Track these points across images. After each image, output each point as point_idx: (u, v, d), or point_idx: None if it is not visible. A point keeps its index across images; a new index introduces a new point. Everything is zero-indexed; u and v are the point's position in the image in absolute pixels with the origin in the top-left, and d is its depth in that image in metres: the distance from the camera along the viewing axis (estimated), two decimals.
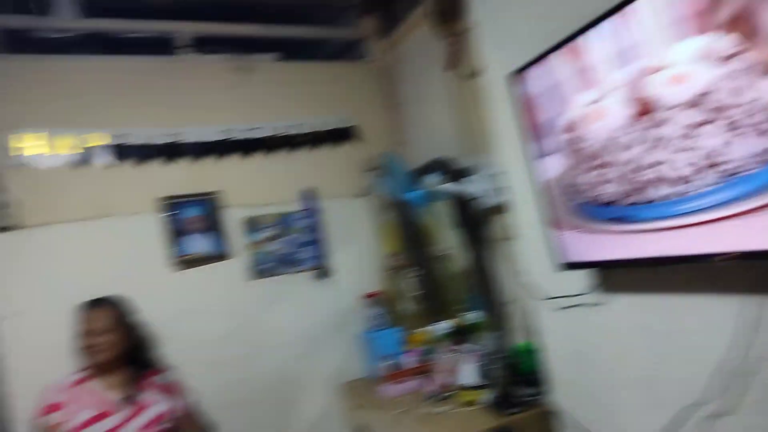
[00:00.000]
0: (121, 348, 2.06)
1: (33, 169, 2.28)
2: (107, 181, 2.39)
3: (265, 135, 2.70)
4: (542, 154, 1.61)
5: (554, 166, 1.57)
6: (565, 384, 1.82)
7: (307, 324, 2.63)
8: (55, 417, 1.95)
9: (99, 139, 2.40)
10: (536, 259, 1.83)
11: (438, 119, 2.57)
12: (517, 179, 1.89)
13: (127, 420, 2.00)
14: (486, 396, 1.95)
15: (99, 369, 2.05)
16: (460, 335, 2.32)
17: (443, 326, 2.42)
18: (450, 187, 2.26)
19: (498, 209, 2.11)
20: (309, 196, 2.70)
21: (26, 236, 2.24)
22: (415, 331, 2.62)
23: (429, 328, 2.52)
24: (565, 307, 1.74)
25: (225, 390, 2.45)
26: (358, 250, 2.78)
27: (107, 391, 2.04)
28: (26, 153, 2.28)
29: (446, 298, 2.60)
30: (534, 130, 1.62)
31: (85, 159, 2.37)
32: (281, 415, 2.56)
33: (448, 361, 2.28)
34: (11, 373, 2.17)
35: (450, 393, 2.10)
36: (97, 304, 2.10)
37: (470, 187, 2.19)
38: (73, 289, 2.21)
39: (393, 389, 2.29)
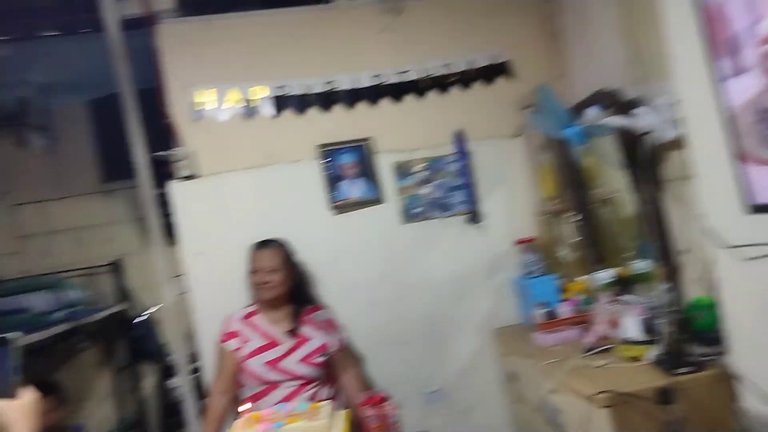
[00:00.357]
0: (286, 286, 2.24)
1: (206, 122, 2.52)
2: (270, 131, 2.55)
3: (415, 78, 2.65)
4: (730, 75, 1.34)
5: (746, 87, 1.30)
6: (748, 345, 1.57)
7: (458, 268, 2.61)
8: (232, 343, 2.20)
9: (261, 91, 2.55)
10: (719, 201, 1.57)
11: (603, 45, 2.29)
12: (696, 108, 1.61)
13: (290, 351, 2.19)
14: (651, 352, 1.77)
15: (266, 304, 2.25)
16: (625, 285, 2.13)
17: (605, 275, 2.23)
18: (616, 121, 2.01)
19: (673, 144, 1.84)
20: (460, 139, 2.61)
21: (203, 184, 2.50)
22: (573, 279, 2.47)
23: (589, 276, 2.36)
24: (752, 258, 1.47)
25: (377, 330, 2.56)
26: (511, 193, 2.66)
27: (272, 324, 2.24)
28: (200, 108, 2.51)
29: (610, 245, 2.39)
30: (720, 46, 1.35)
31: (250, 111, 2.54)
32: (431, 356, 2.60)
33: (610, 313, 2.11)
34: (196, 304, 2.48)
35: (610, 346, 1.95)
36: (266, 244, 2.29)
37: (640, 120, 1.93)
38: (244, 232, 2.44)
39: (547, 338, 2.19)
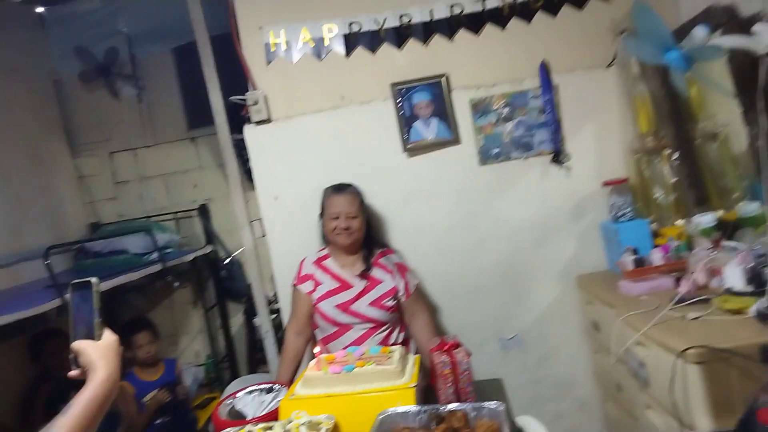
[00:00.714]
0: (363, 231, 2.21)
1: (278, 64, 2.48)
2: (342, 72, 2.48)
3: (495, 5, 2.44)
4: None
5: None
6: None
7: (540, 212, 2.46)
8: (306, 286, 2.23)
9: (332, 29, 2.46)
10: None
11: None
12: None
13: (361, 294, 2.18)
14: (756, 305, 1.58)
15: (339, 248, 2.24)
16: (728, 230, 1.91)
17: (706, 219, 2.02)
18: (729, 41, 1.73)
19: None
20: (545, 71, 2.40)
21: (277, 128, 2.49)
22: (667, 223, 2.26)
23: (687, 220, 2.14)
24: None
25: (450, 276, 2.50)
26: (600, 130, 2.43)
27: (344, 268, 2.24)
28: (273, 50, 2.47)
29: (712, 186, 2.14)
30: None
31: (321, 51, 2.47)
32: (508, 304, 2.51)
33: (709, 261, 1.91)
34: (272, 248, 2.52)
35: (707, 297, 1.77)
36: (344, 189, 2.25)
37: (759, 39, 1.65)
38: (316, 176, 2.43)
39: (635, 287, 2.02)
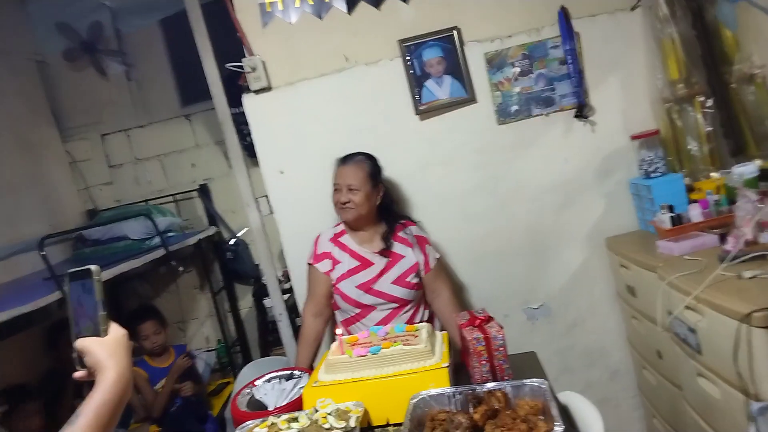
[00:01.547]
0: (368, 206, 2.05)
1: (276, 26, 2.29)
2: (344, 30, 2.29)
3: None
4: None
5: None
6: None
7: (564, 171, 2.30)
8: (324, 265, 2.08)
9: None
10: None
11: None
12: None
13: (382, 272, 2.03)
14: None
15: (352, 224, 2.09)
16: None
17: (748, 169, 1.86)
18: None
19: None
20: (564, 17, 2.20)
21: (278, 96, 2.32)
22: (704, 176, 2.10)
23: (723, 172, 2.00)
24: None
25: (473, 245, 2.35)
26: (627, 79, 2.25)
27: (362, 244, 2.09)
28: (269, 10, 2.28)
29: (752, 133, 1.99)
30: None
31: (321, 8, 2.28)
32: (534, 271, 2.37)
33: (758, 213, 1.75)
34: (281, 225, 2.37)
35: (762, 253, 1.62)
36: (348, 160, 2.09)
37: None
38: (323, 146, 2.27)
39: (674, 246, 1.87)
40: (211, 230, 3.58)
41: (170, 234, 3.34)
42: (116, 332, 0.92)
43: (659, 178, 2.13)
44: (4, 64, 3.25)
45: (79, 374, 0.89)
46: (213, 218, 3.64)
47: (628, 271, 2.08)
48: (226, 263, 3.58)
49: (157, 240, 3.08)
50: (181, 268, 3.29)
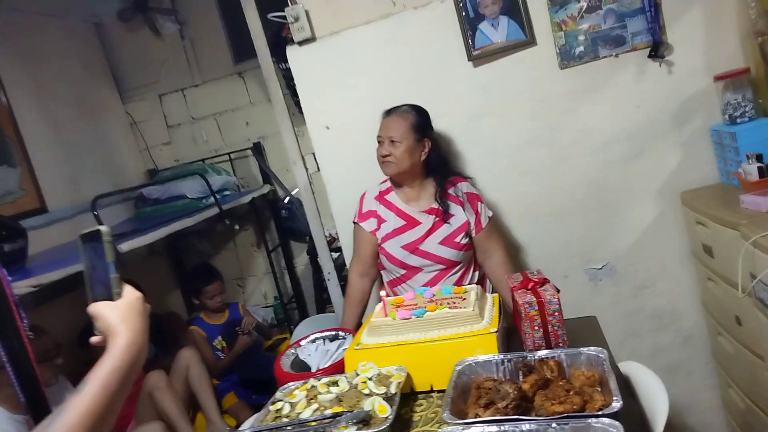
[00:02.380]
0: (412, 159, 1.92)
1: None
2: None
3: None
4: None
5: None
6: None
7: (635, 119, 2.08)
8: (369, 224, 2.00)
9: None
10: None
11: None
12: None
13: (430, 232, 1.93)
14: None
15: (396, 179, 1.98)
16: None
17: None
18: None
19: None
20: None
21: (321, 46, 2.21)
22: None
23: None
24: None
25: (530, 201, 2.20)
26: (710, 10, 1.97)
27: (409, 203, 1.98)
28: None
29: None
30: None
31: None
32: (598, 229, 2.19)
33: None
34: (328, 183, 2.30)
35: None
36: (392, 112, 1.98)
37: None
38: (369, 98, 2.16)
39: (762, 202, 1.65)
40: (266, 188, 3.57)
41: (226, 193, 3.36)
42: (130, 296, 0.87)
43: (746, 123, 1.88)
44: (62, 27, 3.31)
45: (94, 339, 0.86)
46: (267, 176, 3.63)
47: (706, 228, 1.87)
48: (281, 221, 3.58)
49: (212, 198, 3.11)
50: (236, 227, 3.31)
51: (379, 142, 1.95)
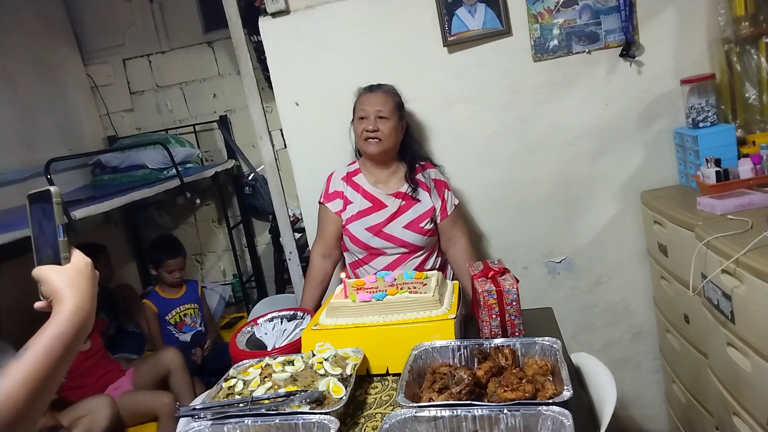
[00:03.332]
0: (395, 139, 1.91)
1: None
2: None
3: None
4: None
5: None
6: None
7: (603, 116, 2.10)
8: (335, 205, 1.98)
9: None
10: None
11: None
12: None
13: (395, 215, 1.92)
14: None
15: (371, 161, 1.96)
16: None
17: None
18: None
19: None
20: None
21: (295, 20, 2.16)
22: (758, 128, 1.90)
23: None
24: None
25: (496, 191, 2.21)
26: (682, 14, 2.00)
27: (376, 185, 1.97)
28: None
29: None
30: None
31: None
32: (560, 224, 2.22)
33: None
34: (294, 160, 2.26)
35: None
36: (375, 88, 1.95)
37: None
38: (342, 76, 2.12)
39: (720, 205, 1.70)
40: (230, 163, 3.50)
41: (188, 165, 3.28)
42: (79, 261, 0.83)
43: (708, 128, 1.93)
44: None
45: (39, 305, 0.82)
46: (232, 151, 3.55)
47: (662, 228, 1.92)
48: (244, 198, 3.52)
49: (174, 170, 3.02)
50: (198, 201, 3.24)
51: (362, 118, 1.89)
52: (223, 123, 3.54)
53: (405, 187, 1.93)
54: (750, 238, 1.40)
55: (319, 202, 2.02)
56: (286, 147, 2.29)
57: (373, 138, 1.87)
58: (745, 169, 1.79)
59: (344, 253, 2.03)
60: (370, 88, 1.94)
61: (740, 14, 1.86)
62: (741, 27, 1.87)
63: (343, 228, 1.95)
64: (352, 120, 1.96)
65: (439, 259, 2.00)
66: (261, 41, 2.27)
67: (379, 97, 1.90)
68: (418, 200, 1.92)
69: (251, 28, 2.33)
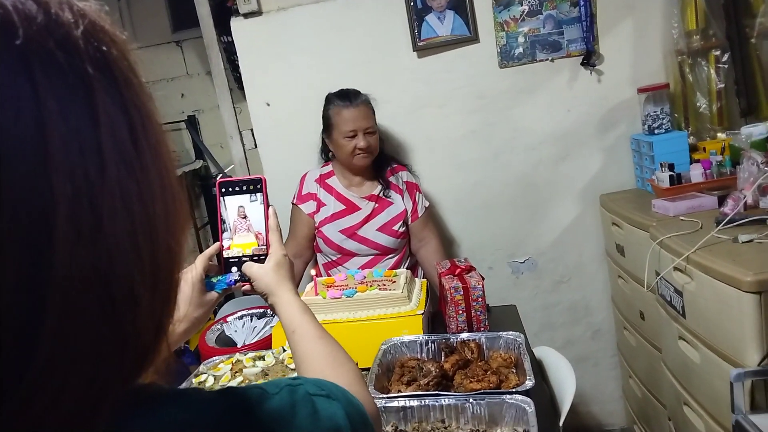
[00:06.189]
0: (378, 148, 1.95)
1: None
2: None
3: None
4: None
5: None
6: None
7: (565, 122, 2.19)
8: (308, 206, 2.00)
9: None
10: None
11: None
12: None
13: (368, 218, 1.95)
14: None
15: (350, 168, 1.98)
16: None
17: (757, 130, 1.78)
18: None
19: None
20: None
21: (267, 21, 2.18)
22: (710, 136, 2.01)
23: (730, 132, 1.92)
24: None
25: (462, 193, 2.27)
26: (640, 27, 2.11)
27: (350, 188, 2.00)
28: None
29: (765, 93, 1.88)
30: None
31: None
32: (524, 225, 2.30)
33: (761, 177, 1.67)
34: (264, 161, 2.28)
35: (759, 218, 1.55)
36: (355, 99, 1.92)
37: None
38: (313, 78, 2.15)
39: (673, 207, 1.80)
40: (197, 163, 3.48)
41: None
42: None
43: (663, 134, 2.03)
44: None
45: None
46: (200, 151, 3.53)
47: (620, 229, 2.01)
48: (211, 198, 3.50)
49: None
50: None
51: (352, 135, 1.89)
52: (192, 123, 3.52)
53: (378, 190, 1.97)
54: (700, 238, 1.48)
55: (292, 203, 2.04)
56: (256, 147, 2.30)
57: (365, 152, 1.90)
58: (696, 173, 1.90)
59: (317, 254, 2.05)
60: (348, 99, 1.91)
61: (692, 28, 1.97)
62: (692, 40, 1.98)
63: (317, 230, 1.98)
64: (326, 128, 1.96)
65: (410, 260, 2.04)
66: (231, 41, 2.28)
67: (362, 111, 1.90)
68: (391, 202, 1.96)
69: (221, 29, 2.34)
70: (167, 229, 0.35)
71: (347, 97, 1.92)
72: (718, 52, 1.95)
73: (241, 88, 2.44)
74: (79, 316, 0.29)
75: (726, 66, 1.95)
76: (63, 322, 0.28)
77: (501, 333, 1.36)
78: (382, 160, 2.02)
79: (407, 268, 1.98)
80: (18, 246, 0.27)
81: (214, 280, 0.89)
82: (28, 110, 0.28)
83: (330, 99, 1.96)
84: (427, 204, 2.05)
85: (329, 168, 2.04)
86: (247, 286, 0.90)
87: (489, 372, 1.22)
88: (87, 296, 0.29)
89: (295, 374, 1.27)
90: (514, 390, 1.11)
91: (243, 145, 2.31)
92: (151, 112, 0.36)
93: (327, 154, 2.07)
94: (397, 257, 1.99)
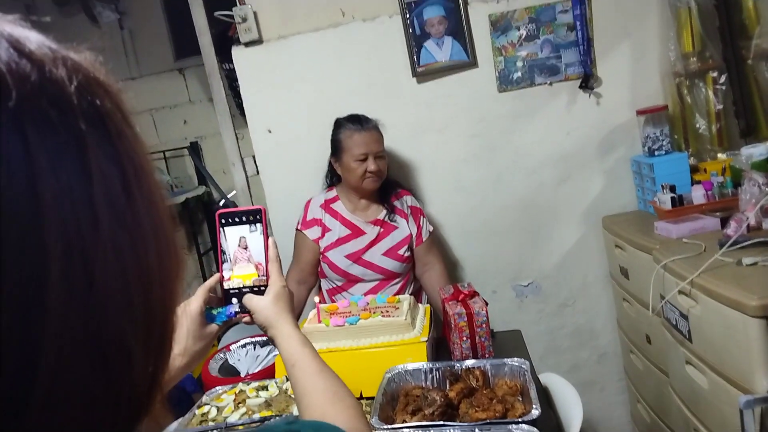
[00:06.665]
0: (386, 173, 1.96)
1: None
2: None
3: None
4: None
5: None
6: None
7: (565, 145, 2.20)
8: (313, 232, 2.00)
9: None
10: None
11: None
12: None
13: (373, 243, 1.95)
14: None
15: (357, 192, 1.98)
16: None
17: (758, 150, 1.77)
18: None
19: None
20: None
21: (268, 49, 2.21)
22: (710, 157, 2.01)
23: (730, 153, 1.91)
24: None
25: (464, 217, 2.27)
26: (637, 50, 2.13)
27: (354, 212, 2.00)
28: None
29: (763, 113, 1.89)
30: None
31: None
32: (526, 247, 2.29)
33: (761, 197, 1.67)
34: (267, 187, 2.28)
35: (762, 240, 1.54)
36: (366, 124, 1.94)
37: None
38: (314, 105, 2.17)
39: (673, 228, 1.79)
40: (200, 189, 3.50)
41: None
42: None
43: (662, 156, 2.03)
44: None
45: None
46: (202, 177, 3.55)
47: (623, 252, 2.00)
48: (214, 224, 3.51)
49: None
50: None
51: (362, 159, 1.90)
52: (194, 149, 3.54)
53: (383, 214, 1.98)
54: (703, 260, 1.48)
55: (297, 229, 2.04)
56: (258, 173, 2.31)
57: (376, 175, 1.92)
58: (698, 195, 1.89)
59: (321, 280, 2.05)
60: (360, 124, 1.94)
61: (688, 50, 1.99)
62: (690, 62, 2.00)
63: (322, 255, 1.97)
64: (335, 152, 1.97)
65: (413, 285, 2.04)
66: (233, 69, 2.31)
67: (373, 136, 1.92)
68: (396, 227, 1.97)
69: (223, 56, 2.37)
70: (160, 279, 0.35)
71: (359, 121, 1.95)
72: (715, 74, 1.96)
73: (242, 114, 2.46)
74: (72, 373, 0.29)
75: (724, 87, 1.96)
76: (55, 381, 0.28)
77: (506, 360, 1.35)
78: (388, 185, 2.03)
79: (411, 294, 1.98)
80: (9, 307, 0.27)
81: (214, 312, 0.89)
82: (20, 169, 0.28)
83: (341, 123, 1.97)
84: (431, 229, 2.05)
85: (334, 193, 2.04)
86: (247, 318, 0.90)
87: (494, 400, 1.20)
88: (79, 353, 0.29)
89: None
90: (520, 420, 1.09)
91: (245, 172, 2.32)
92: (145, 162, 0.36)
93: (332, 178, 2.07)
94: (401, 282, 1.98)
